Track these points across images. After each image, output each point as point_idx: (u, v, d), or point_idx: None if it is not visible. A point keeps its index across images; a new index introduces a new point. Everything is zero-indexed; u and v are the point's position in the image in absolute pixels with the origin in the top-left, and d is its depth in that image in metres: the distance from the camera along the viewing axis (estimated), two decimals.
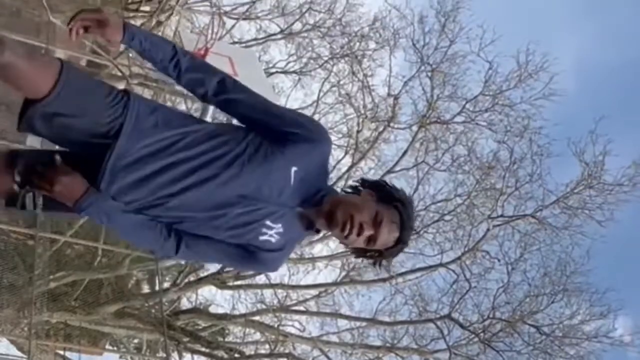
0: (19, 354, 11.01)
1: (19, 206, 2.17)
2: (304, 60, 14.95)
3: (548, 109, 13.68)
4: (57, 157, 2.09)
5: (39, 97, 2.00)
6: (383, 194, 2.23)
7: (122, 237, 2.31)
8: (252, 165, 2.12)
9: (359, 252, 2.29)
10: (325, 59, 14.59)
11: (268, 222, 2.19)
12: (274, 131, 2.17)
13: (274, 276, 13.99)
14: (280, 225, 2.21)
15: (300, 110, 15.53)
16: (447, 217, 14.25)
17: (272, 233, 2.22)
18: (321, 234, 2.40)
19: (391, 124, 13.83)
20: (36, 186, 2.06)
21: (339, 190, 2.36)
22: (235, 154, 2.13)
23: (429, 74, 13.78)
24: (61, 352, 11.77)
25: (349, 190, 2.31)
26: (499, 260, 13.73)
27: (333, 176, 13.91)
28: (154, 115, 2.13)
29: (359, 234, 2.12)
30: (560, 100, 13.68)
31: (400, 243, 2.22)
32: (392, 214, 2.17)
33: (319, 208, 2.20)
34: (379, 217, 2.14)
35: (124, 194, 2.08)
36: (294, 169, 2.16)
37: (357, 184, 2.31)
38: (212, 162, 2.11)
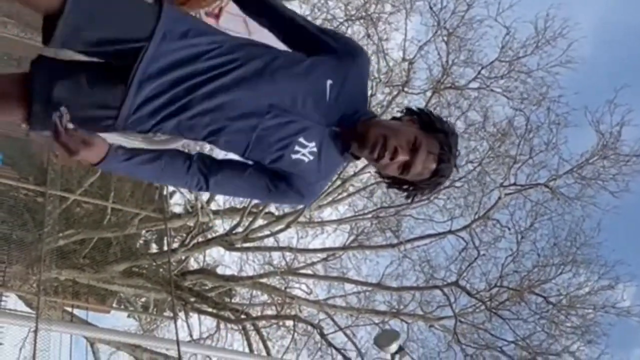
0: (28, 309, 11.07)
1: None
2: (319, 21, 14.64)
3: (566, 76, 13.44)
4: (62, 114, 1.93)
5: (55, 10, 1.85)
6: (426, 122, 2.09)
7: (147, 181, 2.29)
8: (284, 73, 2.01)
9: (392, 182, 2.18)
10: (341, 21, 14.31)
11: (301, 139, 2.07)
12: (311, 42, 2.08)
13: (283, 239, 14.03)
14: (314, 143, 2.09)
15: None
16: (458, 184, 14.11)
17: (305, 152, 2.09)
18: (360, 163, 2.27)
19: (405, 89, 13.63)
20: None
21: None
22: (268, 61, 2.01)
23: (445, 38, 13.53)
24: (69, 309, 11.83)
25: (391, 119, 2.21)
26: (509, 229, 13.67)
27: None
28: (186, 21, 2.02)
29: (392, 158, 2.01)
30: (579, 67, 13.41)
31: (437, 176, 2.09)
32: (431, 143, 2.04)
33: (354, 129, 2.07)
34: (417, 142, 2.02)
35: (150, 101, 1.98)
36: (329, 82, 2.03)
37: (401, 113, 2.19)
38: (243, 66, 1.99)
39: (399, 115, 2.18)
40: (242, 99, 1.99)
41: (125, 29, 1.93)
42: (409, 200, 2.24)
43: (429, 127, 2.07)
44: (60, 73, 2.01)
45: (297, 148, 2.08)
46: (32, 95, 1.99)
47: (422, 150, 2.02)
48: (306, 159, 2.10)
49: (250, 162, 2.17)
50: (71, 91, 1.99)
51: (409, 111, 2.16)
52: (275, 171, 2.16)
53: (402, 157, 2.01)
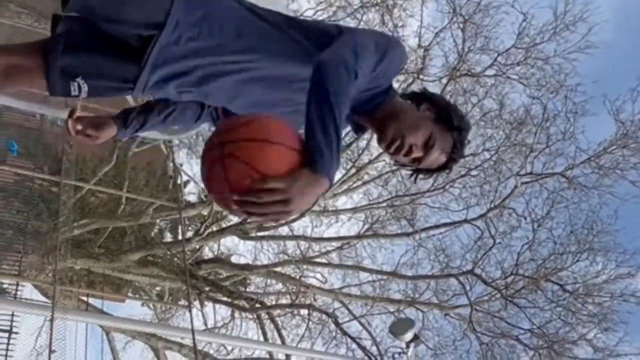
0: (43, 299, 11.12)
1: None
2: (333, 9, 14.56)
3: (584, 63, 13.25)
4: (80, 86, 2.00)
5: None
6: (443, 116, 2.09)
7: None
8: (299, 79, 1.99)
9: (400, 164, 2.20)
10: (355, 7, 14.20)
11: None
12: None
13: (297, 227, 14.00)
14: None
15: None
16: (474, 172, 14.03)
17: None
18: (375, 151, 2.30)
19: (420, 76, 13.51)
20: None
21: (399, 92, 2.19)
22: (286, 70, 2.01)
23: (461, 25, 13.38)
24: (84, 299, 11.88)
25: (409, 97, 2.17)
26: (525, 218, 13.56)
27: None
28: (202, 5, 1.99)
29: (406, 155, 2.05)
30: (599, 52, 13.19)
31: (444, 169, 2.16)
32: (445, 140, 2.07)
33: (372, 115, 2.10)
34: (431, 141, 2.05)
35: (163, 84, 2.01)
36: None
37: (419, 92, 2.17)
38: (261, 69, 1.99)
39: (417, 93, 2.17)
40: (255, 94, 2.02)
41: (140, 13, 1.93)
42: (412, 179, 2.29)
43: (446, 122, 2.08)
44: (77, 39, 2.01)
45: None
46: (48, 65, 2.01)
47: (436, 149, 2.06)
48: None
49: None
50: (86, 61, 2.00)
51: (426, 98, 2.14)
52: None
53: (415, 155, 2.05)
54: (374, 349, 12.14)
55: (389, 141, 2.03)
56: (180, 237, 13.43)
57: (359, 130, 2.19)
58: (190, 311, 9.29)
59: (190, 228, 14.56)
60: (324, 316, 13.26)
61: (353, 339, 12.67)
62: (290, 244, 14.34)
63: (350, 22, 14.59)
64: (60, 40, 2.01)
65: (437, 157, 2.08)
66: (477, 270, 13.51)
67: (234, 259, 14.62)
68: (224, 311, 13.77)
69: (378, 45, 1.96)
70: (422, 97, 2.14)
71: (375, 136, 2.14)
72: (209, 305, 13.34)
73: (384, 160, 13.43)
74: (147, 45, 1.93)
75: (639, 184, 13.00)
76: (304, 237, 13.73)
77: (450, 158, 2.11)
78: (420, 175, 2.23)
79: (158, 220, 14.32)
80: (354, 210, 14.40)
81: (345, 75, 1.76)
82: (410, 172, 2.24)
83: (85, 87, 2.01)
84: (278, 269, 13.45)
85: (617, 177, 13.17)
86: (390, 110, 2.08)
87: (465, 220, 13.69)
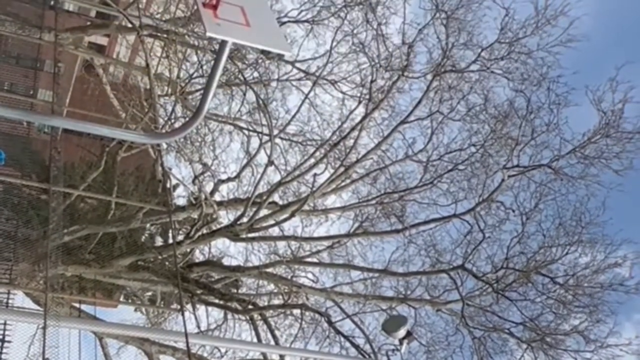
0: (35, 306, 11.08)
1: None
2: (317, 8, 14.60)
3: (567, 55, 13.33)
4: None
5: None
6: None
7: None
8: None
9: None
10: (339, 6, 14.24)
11: None
12: None
13: (287, 228, 14.02)
14: None
15: (311, 60, 15.31)
16: (461, 167, 14.11)
17: None
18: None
19: (405, 73, 13.56)
20: None
21: None
22: None
23: (444, 21, 13.45)
24: (76, 305, 11.85)
25: None
26: (513, 211, 13.63)
27: (346, 126, 13.74)
28: None
29: None
30: (580, 45, 13.30)
31: None
32: None
33: None
34: None
35: None
36: None
37: None
38: None
39: None
40: None
41: None
42: None
43: None
44: None
45: None
46: None
47: None
48: None
49: None
50: None
51: None
52: None
53: None
54: (367, 347, 12.19)
55: None
56: (170, 241, 13.43)
57: None
58: (182, 314, 9.31)
59: (180, 232, 14.54)
60: (316, 315, 13.29)
61: (346, 337, 12.70)
62: (281, 245, 14.37)
63: (334, 22, 14.66)
64: None
65: None
66: (468, 265, 13.57)
67: (225, 261, 14.61)
68: (216, 313, 13.80)
69: None
70: None
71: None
72: (201, 308, 13.36)
73: (371, 158, 13.49)
74: None
75: (623, 172, 13.12)
76: (295, 237, 13.75)
77: None
78: None
79: (148, 225, 14.32)
80: (344, 209, 14.43)
81: None
82: None
83: None
84: (269, 270, 13.45)
85: (602, 166, 13.28)
86: None
87: (454, 215, 13.74)
